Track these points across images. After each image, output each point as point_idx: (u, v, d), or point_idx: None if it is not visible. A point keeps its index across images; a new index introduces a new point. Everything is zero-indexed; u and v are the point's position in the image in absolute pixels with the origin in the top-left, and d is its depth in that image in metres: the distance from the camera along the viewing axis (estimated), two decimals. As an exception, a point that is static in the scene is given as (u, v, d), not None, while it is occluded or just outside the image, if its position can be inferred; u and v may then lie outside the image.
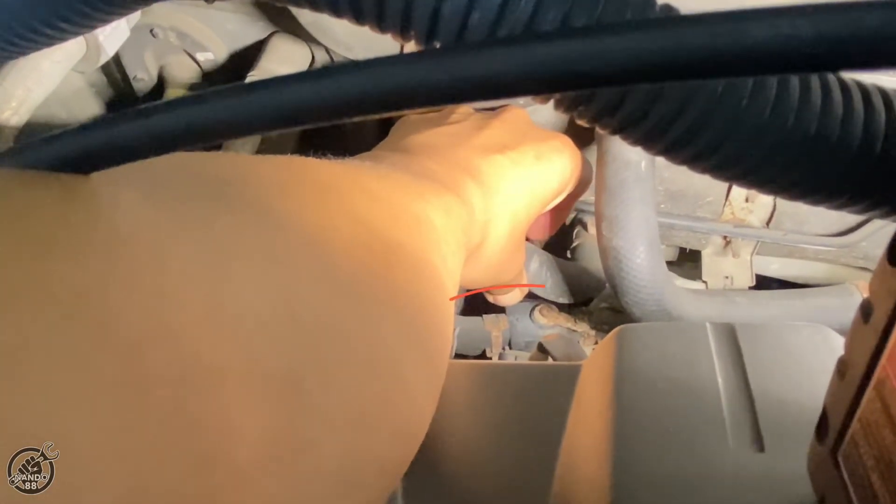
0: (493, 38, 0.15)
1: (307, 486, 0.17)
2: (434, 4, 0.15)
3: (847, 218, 0.51)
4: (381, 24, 0.16)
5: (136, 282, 0.14)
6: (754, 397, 0.24)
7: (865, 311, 0.18)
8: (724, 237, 0.54)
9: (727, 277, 0.55)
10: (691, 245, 0.56)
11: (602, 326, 0.57)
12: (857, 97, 0.16)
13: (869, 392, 0.18)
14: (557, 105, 0.17)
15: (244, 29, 0.51)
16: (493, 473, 0.26)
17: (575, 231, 0.59)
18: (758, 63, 0.10)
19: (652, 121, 0.16)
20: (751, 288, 0.55)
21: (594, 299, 0.58)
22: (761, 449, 0.23)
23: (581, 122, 0.17)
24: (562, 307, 0.58)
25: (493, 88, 0.10)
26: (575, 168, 0.45)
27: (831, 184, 0.17)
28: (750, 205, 0.52)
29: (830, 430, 0.19)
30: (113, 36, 0.35)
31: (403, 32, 0.16)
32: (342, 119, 0.12)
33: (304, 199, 0.22)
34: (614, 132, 0.17)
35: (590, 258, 0.56)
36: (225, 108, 0.13)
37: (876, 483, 0.17)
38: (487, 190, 0.37)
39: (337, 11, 0.16)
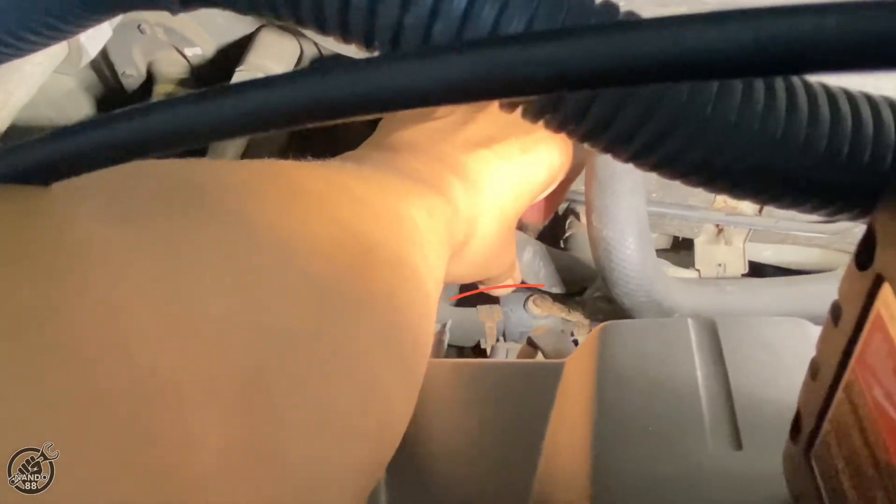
0: (429, 46, 0.15)
1: (274, 494, 0.17)
2: (397, 16, 0.15)
3: (839, 204, 0.50)
4: (344, 36, 0.16)
5: (89, 296, 0.14)
6: (733, 395, 0.24)
7: (835, 313, 0.18)
8: (717, 225, 0.54)
9: (720, 265, 0.55)
10: (684, 233, 0.56)
11: (596, 316, 0.57)
12: (822, 101, 0.16)
13: (839, 394, 0.18)
14: (524, 114, 0.17)
15: (232, 24, 0.51)
16: (475, 472, 0.26)
17: (567, 221, 0.59)
18: (694, 68, 0.10)
19: (616, 130, 0.16)
20: (744, 275, 0.55)
21: (588, 289, 0.58)
22: (739, 447, 0.23)
23: (549, 130, 0.17)
24: (556, 297, 0.58)
25: (421, 97, 0.11)
26: (564, 158, 0.45)
27: (799, 188, 0.17)
28: (742, 192, 0.52)
29: (803, 430, 0.19)
30: (94, 37, 0.35)
31: (367, 44, 0.16)
32: (302, 124, 0.13)
33: (277, 202, 0.22)
34: (582, 140, 0.17)
35: (583, 248, 0.56)
36: (184, 116, 0.13)
37: (846, 484, 0.17)
38: (473, 186, 0.37)
39: (301, 22, 0.16)
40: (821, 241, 0.53)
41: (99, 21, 0.17)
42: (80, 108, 0.56)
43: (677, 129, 0.16)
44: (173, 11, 0.17)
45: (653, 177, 0.53)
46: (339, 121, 0.13)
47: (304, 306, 0.19)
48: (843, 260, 0.56)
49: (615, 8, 0.16)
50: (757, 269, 0.57)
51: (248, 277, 0.18)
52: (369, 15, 0.15)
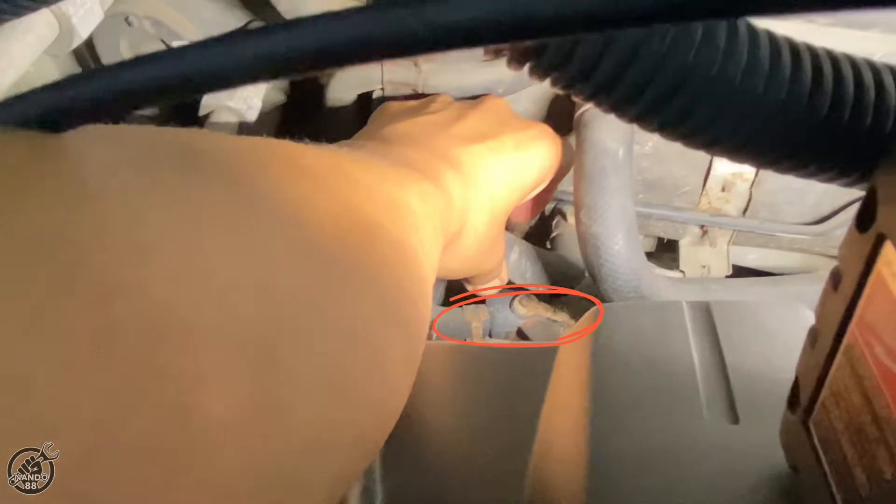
0: None
1: (281, 450, 0.17)
2: None
3: (821, 207, 0.51)
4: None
5: (107, 231, 0.14)
6: (729, 372, 0.24)
7: (835, 278, 0.18)
8: (702, 227, 0.55)
9: (704, 267, 0.56)
10: (669, 235, 0.57)
11: (582, 316, 0.57)
12: (826, 65, 0.16)
13: (839, 358, 0.18)
14: (532, 71, 0.17)
15: (220, 17, 0.51)
16: (470, 452, 0.26)
17: (554, 221, 0.59)
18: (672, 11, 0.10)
19: (623, 88, 0.16)
20: (728, 277, 0.56)
21: (574, 288, 0.58)
22: (735, 421, 0.23)
23: (557, 89, 0.17)
24: (542, 297, 0.58)
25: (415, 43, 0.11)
26: (555, 157, 0.45)
27: (801, 152, 0.17)
28: (726, 194, 0.53)
29: (802, 398, 0.19)
30: (86, 18, 0.35)
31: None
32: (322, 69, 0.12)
33: (280, 175, 0.22)
34: (588, 98, 0.17)
35: (569, 248, 0.56)
36: (192, 62, 0.13)
37: (846, 447, 0.17)
38: (466, 179, 0.37)
39: None
40: (803, 245, 0.54)
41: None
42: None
43: (682, 89, 0.16)
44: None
45: (639, 179, 0.53)
46: (358, 63, 0.13)
47: (309, 274, 0.19)
48: (825, 264, 0.56)
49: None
50: (741, 274, 0.58)
51: (256, 240, 0.18)
52: None
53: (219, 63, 0.13)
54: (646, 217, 0.54)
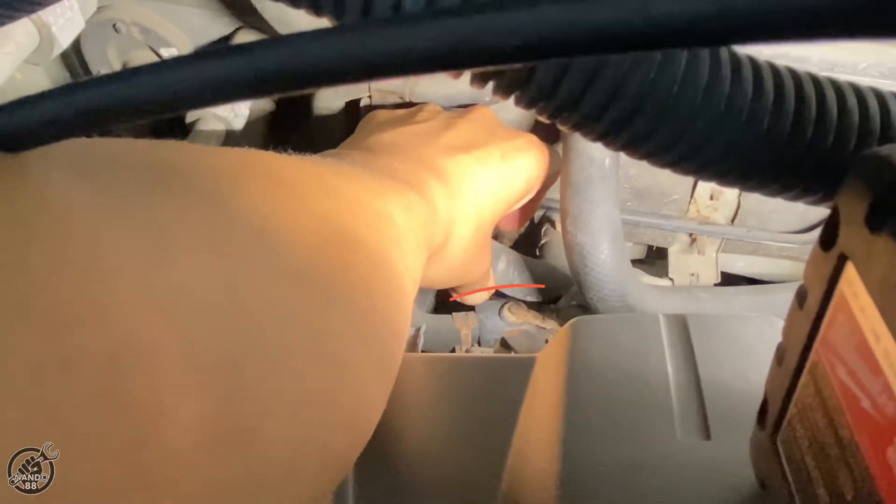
0: (396, 15, 0.15)
1: (246, 473, 0.16)
2: None
3: (809, 216, 0.51)
4: (315, 6, 0.16)
5: (65, 257, 0.14)
6: (703, 387, 0.24)
7: (800, 296, 0.18)
8: (690, 234, 0.55)
9: (693, 275, 0.56)
10: (658, 242, 0.57)
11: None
12: (788, 83, 0.16)
13: (804, 376, 0.18)
14: (495, 90, 0.17)
15: (208, 24, 0.51)
16: (444, 465, 0.26)
17: (543, 228, 0.59)
18: (652, 38, 0.10)
19: (586, 107, 0.16)
20: (716, 285, 0.56)
21: (563, 297, 0.58)
22: (707, 437, 0.23)
23: (520, 106, 0.17)
24: (531, 305, 0.58)
25: (389, 67, 0.10)
26: (542, 168, 0.45)
27: (765, 171, 0.17)
28: (715, 202, 0.53)
29: (770, 415, 0.19)
30: (66, 27, 0.35)
31: (337, 15, 0.16)
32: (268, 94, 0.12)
33: (257, 189, 0.21)
34: (551, 117, 0.17)
35: (558, 255, 0.56)
36: (151, 84, 0.13)
37: (811, 465, 0.17)
38: (451, 189, 0.37)
39: None
40: (792, 252, 0.54)
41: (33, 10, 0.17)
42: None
43: (644, 109, 0.16)
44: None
45: (628, 187, 0.54)
46: (300, 91, 0.13)
47: (281, 290, 0.19)
48: (814, 271, 0.56)
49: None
50: (730, 281, 0.58)
51: (226, 257, 0.18)
52: None
53: (168, 86, 0.12)
54: (634, 225, 0.54)
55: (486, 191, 0.40)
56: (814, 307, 0.17)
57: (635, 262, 0.62)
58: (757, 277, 0.59)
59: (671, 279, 0.57)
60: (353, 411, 0.21)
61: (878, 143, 0.17)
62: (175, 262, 0.16)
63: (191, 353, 0.15)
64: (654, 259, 0.61)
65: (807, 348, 0.18)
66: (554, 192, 0.50)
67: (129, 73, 0.14)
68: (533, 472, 0.24)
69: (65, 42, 0.36)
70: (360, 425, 0.22)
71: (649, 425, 0.23)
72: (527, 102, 0.17)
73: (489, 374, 0.29)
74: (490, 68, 0.16)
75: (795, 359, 0.18)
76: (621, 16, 0.10)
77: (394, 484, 0.25)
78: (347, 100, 0.51)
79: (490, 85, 0.17)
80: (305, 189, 0.24)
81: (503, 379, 0.28)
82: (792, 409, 0.18)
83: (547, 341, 0.50)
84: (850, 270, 0.16)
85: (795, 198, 0.18)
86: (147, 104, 0.14)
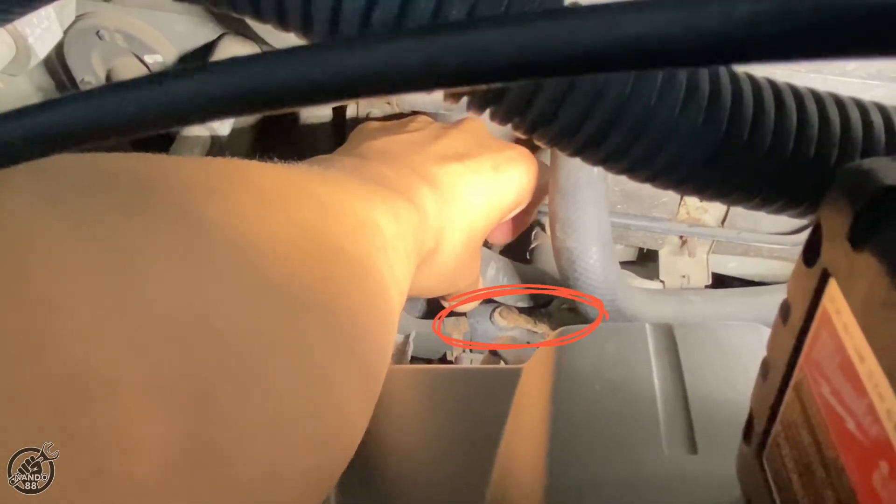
0: (367, 33, 0.14)
1: (219, 499, 0.16)
2: (333, 3, 0.14)
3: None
4: (281, 21, 0.15)
5: (19, 288, 0.13)
6: (689, 399, 0.24)
7: (784, 312, 0.18)
8: (681, 237, 0.54)
9: (684, 277, 0.56)
10: (648, 245, 0.56)
11: (562, 327, 0.57)
12: (767, 95, 0.16)
13: (789, 393, 0.17)
14: (470, 105, 0.16)
15: (193, 31, 0.50)
16: (428, 480, 0.25)
17: (533, 232, 0.59)
18: (628, 59, 0.09)
19: (561, 122, 0.16)
20: (707, 286, 0.55)
21: (554, 300, 0.58)
22: (694, 451, 0.22)
23: (495, 122, 0.17)
24: (522, 308, 0.58)
25: (358, 87, 0.10)
26: (532, 179, 0.45)
27: (745, 183, 0.17)
28: (705, 204, 0.52)
29: (755, 431, 0.19)
30: (43, 38, 0.34)
31: (305, 31, 0.15)
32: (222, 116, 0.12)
33: (237, 201, 0.21)
34: (527, 133, 0.16)
35: (548, 259, 0.56)
36: (107, 107, 0.13)
37: (796, 485, 0.17)
38: (443, 196, 0.37)
39: (235, 7, 0.15)
40: (783, 253, 0.53)
41: (25, 12, 0.17)
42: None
43: (621, 123, 0.16)
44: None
45: (617, 189, 0.53)
46: (263, 112, 0.12)
47: (257, 307, 0.19)
48: (805, 272, 0.56)
49: None
50: (722, 281, 0.58)
51: (198, 276, 0.17)
52: (305, 2, 0.15)
53: (123, 110, 0.12)
54: (624, 227, 0.54)
55: (477, 200, 0.40)
56: (797, 323, 0.17)
57: (626, 265, 0.62)
58: (748, 278, 0.59)
59: (662, 281, 0.57)
60: (334, 429, 0.21)
61: (861, 156, 0.16)
62: (142, 282, 0.16)
63: (157, 379, 0.15)
64: (645, 261, 0.61)
65: (791, 364, 0.17)
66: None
67: (86, 94, 0.13)
68: (518, 487, 0.24)
69: (41, 52, 0.35)
70: (342, 443, 0.21)
71: (636, 439, 0.23)
72: (502, 118, 0.16)
73: (475, 387, 0.29)
74: (463, 89, 0.16)
75: (780, 374, 0.18)
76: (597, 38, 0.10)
77: (377, 499, 0.25)
78: (334, 105, 0.50)
79: (464, 100, 0.16)
80: (289, 199, 0.24)
81: (489, 391, 0.28)
82: (777, 426, 0.18)
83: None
84: (833, 287, 0.15)
85: (778, 211, 0.17)
86: (101, 127, 0.13)
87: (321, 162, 0.35)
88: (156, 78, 0.11)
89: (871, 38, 0.09)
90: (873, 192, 0.14)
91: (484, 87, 0.15)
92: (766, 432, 0.19)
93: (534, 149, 0.47)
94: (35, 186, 0.16)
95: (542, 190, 0.46)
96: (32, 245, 0.14)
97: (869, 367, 0.14)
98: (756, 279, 0.58)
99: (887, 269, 0.13)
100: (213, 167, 0.23)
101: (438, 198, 0.36)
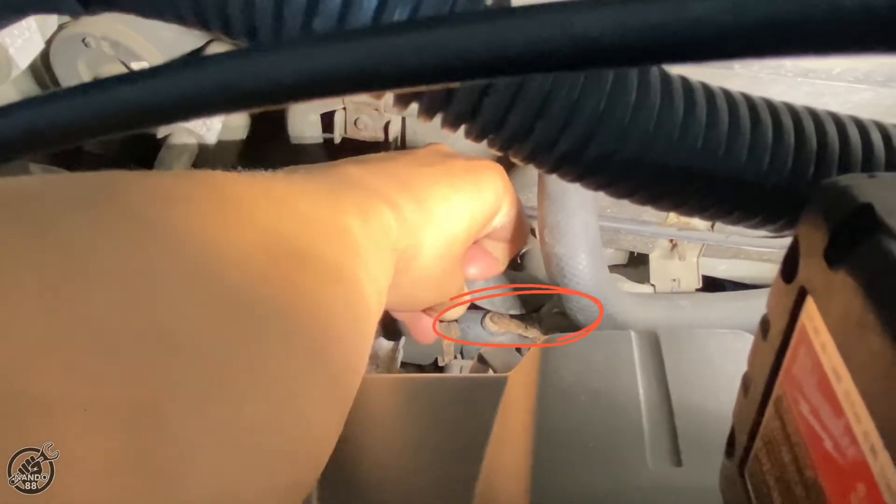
0: (307, 36, 0.14)
1: None
2: (274, 7, 0.14)
3: (789, 219, 0.51)
4: (226, 30, 0.15)
5: None
6: (674, 410, 0.24)
7: (764, 327, 0.18)
8: (671, 240, 0.54)
9: (674, 280, 0.56)
10: (638, 248, 0.56)
11: (553, 332, 0.57)
12: (743, 110, 0.16)
13: (769, 409, 0.17)
14: (443, 123, 0.16)
15: (180, 37, 0.50)
16: (412, 493, 0.25)
17: (524, 237, 0.58)
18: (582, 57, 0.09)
19: (537, 137, 0.15)
20: (698, 290, 0.55)
21: (545, 305, 0.58)
22: (679, 464, 0.22)
23: (469, 139, 0.16)
24: (513, 314, 0.58)
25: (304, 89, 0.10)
26: (507, 183, 0.45)
27: (722, 198, 0.16)
28: (694, 208, 0.52)
29: (737, 446, 0.19)
30: (24, 48, 0.34)
31: (250, 39, 0.15)
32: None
33: (200, 210, 0.21)
34: (502, 149, 0.16)
35: (539, 265, 0.56)
36: (62, 111, 0.13)
37: (777, 502, 0.17)
38: (417, 195, 0.36)
39: (184, 20, 0.15)
40: (772, 256, 0.54)
41: (4, 24, 0.16)
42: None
43: (596, 138, 0.15)
44: (75, 15, 0.16)
45: (607, 192, 0.53)
46: (199, 117, 0.12)
47: (217, 318, 0.19)
48: (795, 274, 0.56)
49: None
50: (713, 284, 0.58)
51: (153, 287, 0.17)
52: (247, 7, 0.15)
53: (86, 113, 0.12)
54: (615, 231, 0.54)
55: (454, 197, 0.39)
56: (777, 339, 0.17)
57: (617, 268, 0.62)
58: (739, 280, 0.59)
59: (653, 285, 0.57)
60: (299, 442, 0.20)
61: (838, 172, 0.16)
62: (89, 298, 0.16)
63: (99, 398, 0.15)
64: (636, 264, 0.61)
65: (771, 380, 0.17)
66: (533, 201, 0.50)
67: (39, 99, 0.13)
68: (503, 497, 0.24)
69: (22, 63, 0.35)
70: (308, 456, 0.21)
71: (621, 452, 0.23)
72: (476, 134, 0.16)
73: (459, 397, 0.29)
74: (408, 90, 0.15)
75: (760, 390, 0.18)
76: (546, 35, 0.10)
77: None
78: (322, 111, 0.50)
79: (439, 117, 0.16)
80: (256, 204, 0.23)
81: (474, 401, 0.28)
82: (758, 442, 0.18)
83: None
84: (810, 305, 0.15)
85: (757, 226, 0.17)
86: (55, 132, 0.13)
87: (287, 170, 0.35)
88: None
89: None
90: (850, 209, 0.14)
91: (459, 101, 0.15)
92: (748, 447, 0.19)
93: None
94: None
95: (525, 228, 0.46)
96: None
97: (845, 386, 0.14)
98: (747, 281, 0.58)
99: (863, 289, 0.13)
100: (183, 178, 0.22)
101: (412, 196, 0.36)
